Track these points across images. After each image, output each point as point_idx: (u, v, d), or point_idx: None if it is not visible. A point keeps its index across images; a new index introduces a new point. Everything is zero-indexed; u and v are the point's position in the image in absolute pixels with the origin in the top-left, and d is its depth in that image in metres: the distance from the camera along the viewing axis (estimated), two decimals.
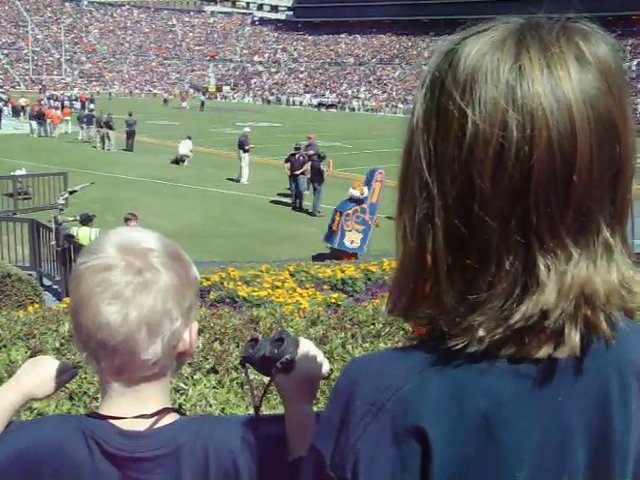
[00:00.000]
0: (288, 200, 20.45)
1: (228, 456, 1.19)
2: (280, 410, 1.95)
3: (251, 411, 3.10)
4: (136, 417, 1.16)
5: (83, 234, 12.05)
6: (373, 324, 4.30)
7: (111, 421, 1.16)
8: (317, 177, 19.57)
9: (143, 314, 1.10)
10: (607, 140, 0.74)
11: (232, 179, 23.92)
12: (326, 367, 1.38)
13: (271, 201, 20.75)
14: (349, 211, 14.55)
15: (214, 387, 3.29)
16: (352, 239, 14.58)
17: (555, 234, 0.75)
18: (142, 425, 1.17)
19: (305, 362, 1.32)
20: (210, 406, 3.03)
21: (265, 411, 3.18)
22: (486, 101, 0.74)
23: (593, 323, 0.76)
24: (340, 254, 13.84)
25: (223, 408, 3.04)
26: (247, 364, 1.35)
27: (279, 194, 20.85)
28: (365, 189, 14.75)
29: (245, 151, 23.93)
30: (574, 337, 0.76)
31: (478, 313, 0.77)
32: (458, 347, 0.78)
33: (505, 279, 0.76)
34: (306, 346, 1.35)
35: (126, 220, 11.53)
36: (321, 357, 1.37)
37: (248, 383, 1.41)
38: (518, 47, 0.75)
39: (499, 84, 0.74)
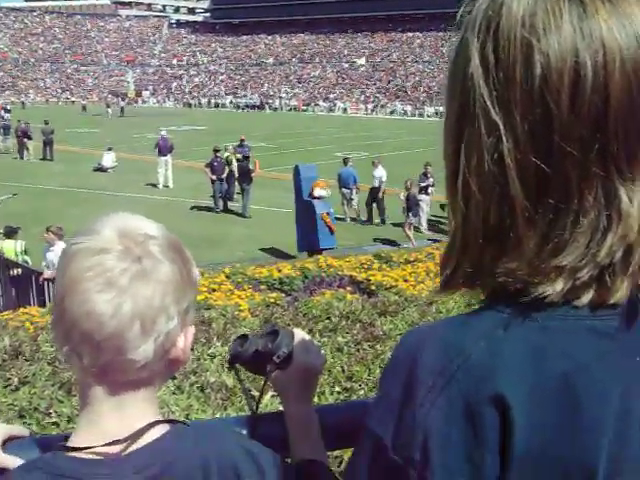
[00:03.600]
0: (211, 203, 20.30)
1: (231, 472, 1.05)
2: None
3: (217, 415, 3.01)
4: (108, 444, 1.00)
5: (8, 247, 11.73)
6: (328, 318, 4.25)
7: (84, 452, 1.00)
8: (245, 178, 19.51)
9: (138, 307, 0.97)
10: None
11: (155, 185, 23.59)
12: (323, 356, 1.31)
13: (199, 205, 20.52)
14: (327, 210, 15.22)
15: (173, 393, 3.18)
16: None
17: (634, 162, 0.72)
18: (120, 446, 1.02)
19: (303, 354, 1.25)
20: (172, 413, 2.91)
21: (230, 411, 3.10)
22: (552, 31, 0.71)
23: None
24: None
25: (187, 414, 2.93)
26: (237, 364, 1.26)
27: (210, 196, 20.66)
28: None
29: (164, 155, 23.68)
30: None
31: (564, 253, 0.73)
32: (546, 294, 0.73)
33: (589, 214, 0.73)
34: (301, 337, 1.27)
35: (48, 230, 11.11)
36: (317, 347, 1.30)
37: (240, 384, 1.31)
38: None
39: (562, 14, 0.72)
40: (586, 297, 0.74)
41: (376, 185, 18.66)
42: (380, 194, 18.65)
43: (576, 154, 0.71)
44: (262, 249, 15.55)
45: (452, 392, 0.72)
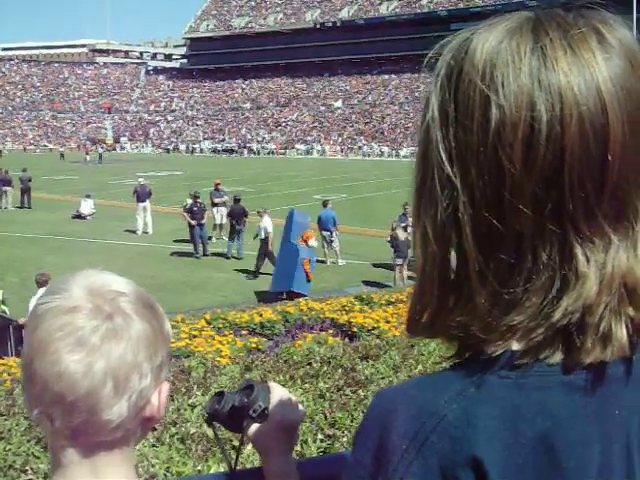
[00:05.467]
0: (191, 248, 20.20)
1: None
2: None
3: (199, 468, 2.96)
4: None
5: None
6: (309, 364, 4.21)
7: None
8: (240, 219, 19.46)
9: (110, 365, 0.94)
10: (639, 119, 0.71)
11: (134, 231, 23.50)
12: (302, 410, 1.29)
13: (179, 251, 20.42)
14: (310, 257, 15.45)
15: (153, 445, 3.12)
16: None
17: (592, 221, 0.70)
18: None
19: (280, 408, 1.22)
20: (152, 466, 2.85)
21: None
22: (510, 83, 0.70)
23: (638, 324, 0.71)
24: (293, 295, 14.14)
25: (168, 467, 2.87)
26: (214, 422, 1.24)
27: (178, 240, 20.59)
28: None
29: (142, 201, 23.74)
30: (621, 334, 0.70)
31: (516, 312, 0.71)
32: (498, 353, 0.72)
33: (543, 273, 0.70)
34: (278, 391, 1.25)
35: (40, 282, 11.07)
36: (295, 400, 1.28)
37: (218, 442, 1.28)
38: (536, 31, 0.72)
39: (522, 65, 0.70)
40: (556, 356, 0.71)
41: (263, 236, 17.63)
42: (268, 246, 17.51)
43: (528, 212, 0.69)
44: (243, 293, 15.49)
45: (427, 456, 0.70)
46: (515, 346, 0.72)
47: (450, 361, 0.78)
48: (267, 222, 17.83)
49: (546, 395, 0.70)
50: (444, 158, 0.73)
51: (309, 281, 15.14)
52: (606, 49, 0.71)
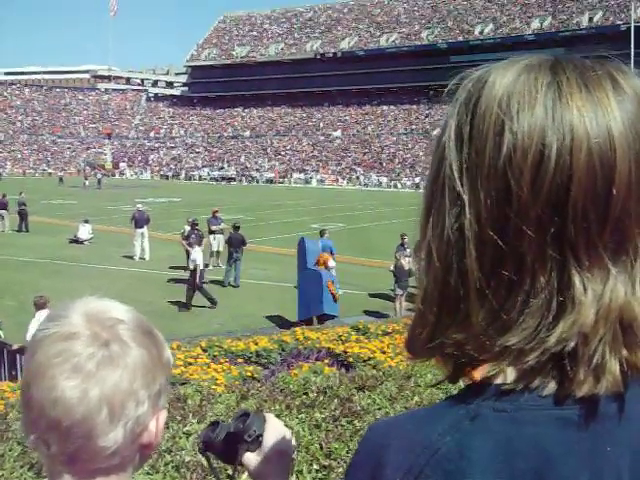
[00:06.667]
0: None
1: None
2: None
3: None
4: None
5: None
6: (305, 394, 4.19)
7: None
8: (238, 247, 19.55)
9: (105, 392, 0.96)
10: None
11: (131, 257, 23.48)
12: (294, 444, 1.30)
13: (176, 277, 20.38)
14: (332, 279, 15.62)
15: (147, 472, 3.10)
16: None
17: (592, 251, 0.72)
18: None
19: (275, 437, 1.23)
20: None
21: None
22: (525, 111, 0.73)
23: (634, 363, 0.72)
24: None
25: None
26: (208, 451, 1.24)
27: (175, 267, 20.56)
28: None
29: (140, 227, 23.77)
30: (615, 368, 0.71)
31: (511, 333, 0.72)
32: (491, 374, 0.73)
33: (540, 296, 0.72)
34: (273, 421, 1.26)
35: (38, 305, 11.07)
36: (289, 432, 1.28)
37: (212, 471, 1.28)
38: (554, 69, 0.75)
39: (538, 96, 0.73)
40: (550, 387, 0.72)
41: (191, 268, 17.33)
42: (196, 279, 17.08)
43: (532, 234, 0.72)
44: (240, 321, 15.43)
45: None
46: (509, 370, 0.73)
47: (444, 383, 0.80)
48: (197, 254, 17.54)
49: (540, 430, 0.71)
50: (456, 176, 0.76)
51: (336, 301, 15.22)
52: (619, 93, 0.74)
